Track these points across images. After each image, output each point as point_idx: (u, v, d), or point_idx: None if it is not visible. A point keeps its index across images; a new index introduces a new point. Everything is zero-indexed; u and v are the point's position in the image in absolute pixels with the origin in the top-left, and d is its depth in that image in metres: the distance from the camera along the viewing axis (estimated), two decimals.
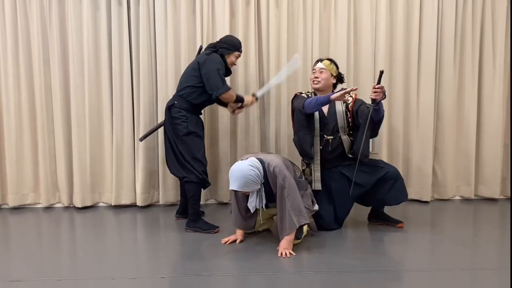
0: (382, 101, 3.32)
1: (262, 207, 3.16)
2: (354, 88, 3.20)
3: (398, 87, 4.27)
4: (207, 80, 3.49)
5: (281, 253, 3.03)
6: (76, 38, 4.11)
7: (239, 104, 3.76)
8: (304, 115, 3.40)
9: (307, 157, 3.51)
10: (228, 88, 3.53)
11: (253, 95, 3.83)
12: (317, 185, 3.51)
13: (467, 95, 4.35)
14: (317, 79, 3.55)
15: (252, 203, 3.14)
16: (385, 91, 3.27)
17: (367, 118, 3.32)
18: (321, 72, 3.55)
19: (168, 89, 4.16)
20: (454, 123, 4.37)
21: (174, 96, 3.66)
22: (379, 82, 3.21)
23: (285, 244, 3.07)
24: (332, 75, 3.58)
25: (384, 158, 4.21)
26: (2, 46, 4.12)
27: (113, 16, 4.11)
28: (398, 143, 4.34)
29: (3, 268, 2.94)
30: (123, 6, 4.13)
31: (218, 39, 3.91)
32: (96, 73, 4.17)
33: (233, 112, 3.84)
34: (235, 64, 3.74)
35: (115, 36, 4.12)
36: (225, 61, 3.60)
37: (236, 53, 3.67)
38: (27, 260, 3.03)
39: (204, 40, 4.15)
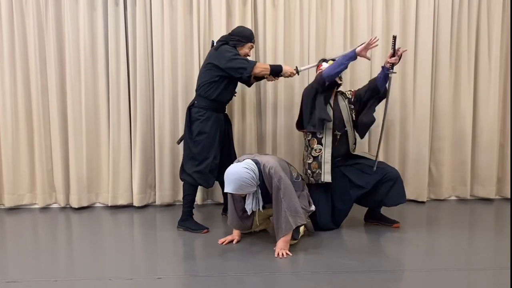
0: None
1: (259, 209, 3.16)
2: (374, 39, 3.31)
3: (394, 87, 4.26)
4: (231, 69, 3.45)
5: (278, 254, 3.03)
6: (73, 39, 4.10)
7: (276, 77, 3.68)
8: (324, 86, 3.40)
9: (325, 121, 3.42)
10: (255, 62, 3.47)
11: (296, 68, 3.70)
12: (327, 177, 3.44)
13: (463, 96, 4.36)
14: None
15: (249, 205, 3.14)
16: (401, 56, 3.35)
17: (386, 86, 3.41)
18: None
19: (164, 89, 4.16)
20: (450, 123, 4.39)
21: (194, 97, 3.67)
22: (394, 47, 3.28)
23: (281, 245, 3.08)
24: None
25: (380, 158, 4.21)
26: None
27: (110, 17, 4.10)
28: (394, 143, 4.35)
29: None
30: (120, 6, 4.12)
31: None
32: (93, 73, 4.16)
33: (268, 79, 3.75)
34: (249, 56, 3.67)
35: (111, 37, 4.11)
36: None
37: (249, 44, 3.60)
38: (23, 261, 3.02)
39: (201, 40, 4.15)
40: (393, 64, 3.32)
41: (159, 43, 4.14)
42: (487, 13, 4.30)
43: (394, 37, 3.29)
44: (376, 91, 3.46)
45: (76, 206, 4.21)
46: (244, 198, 3.20)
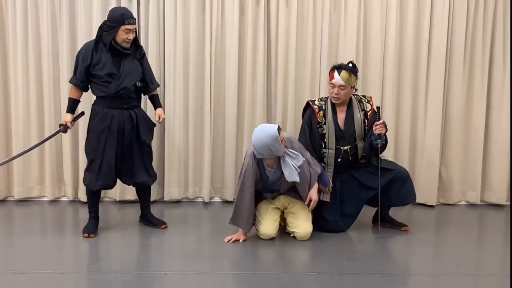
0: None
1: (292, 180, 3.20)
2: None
3: (406, 90, 4.24)
4: None
5: (309, 200, 3.25)
6: (86, 33, 4.09)
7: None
8: None
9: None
10: (73, 82, 3.33)
11: (65, 124, 3.43)
12: (326, 197, 3.46)
13: (475, 100, 4.31)
14: (337, 96, 3.47)
15: (288, 173, 3.18)
16: (386, 125, 3.42)
17: (377, 153, 3.42)
18: (341, 89, 3.45)
19: (175, 86, 4.16)
20: (462, 127, 4.34)
21: None
22: (379, 118, 3.39)
23: (313, 193, 3.27)
24: (351, 86, 3.50)
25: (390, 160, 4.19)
26: (12, 40, 4.12)
27: None
28: (405, 146, 4.31)
29: (7, 260, 2.96)
30: (133, 2, 4.13)
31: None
32: None
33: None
34: (130, 39, 3.26)
35: None
36: (116, 41, 3.19)
37: (123, 27, 3.12)
38: (30, 253, 3.05)
39: (213, 38, 4.14)
40: (379, 134, 3.35)
41: (171, 40, 4.13)
42: (503, 18, 4.23)
43: (378, 108, 3.43)
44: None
45: (85, 200, 4.22)
46: (256, 197, 3.21)
